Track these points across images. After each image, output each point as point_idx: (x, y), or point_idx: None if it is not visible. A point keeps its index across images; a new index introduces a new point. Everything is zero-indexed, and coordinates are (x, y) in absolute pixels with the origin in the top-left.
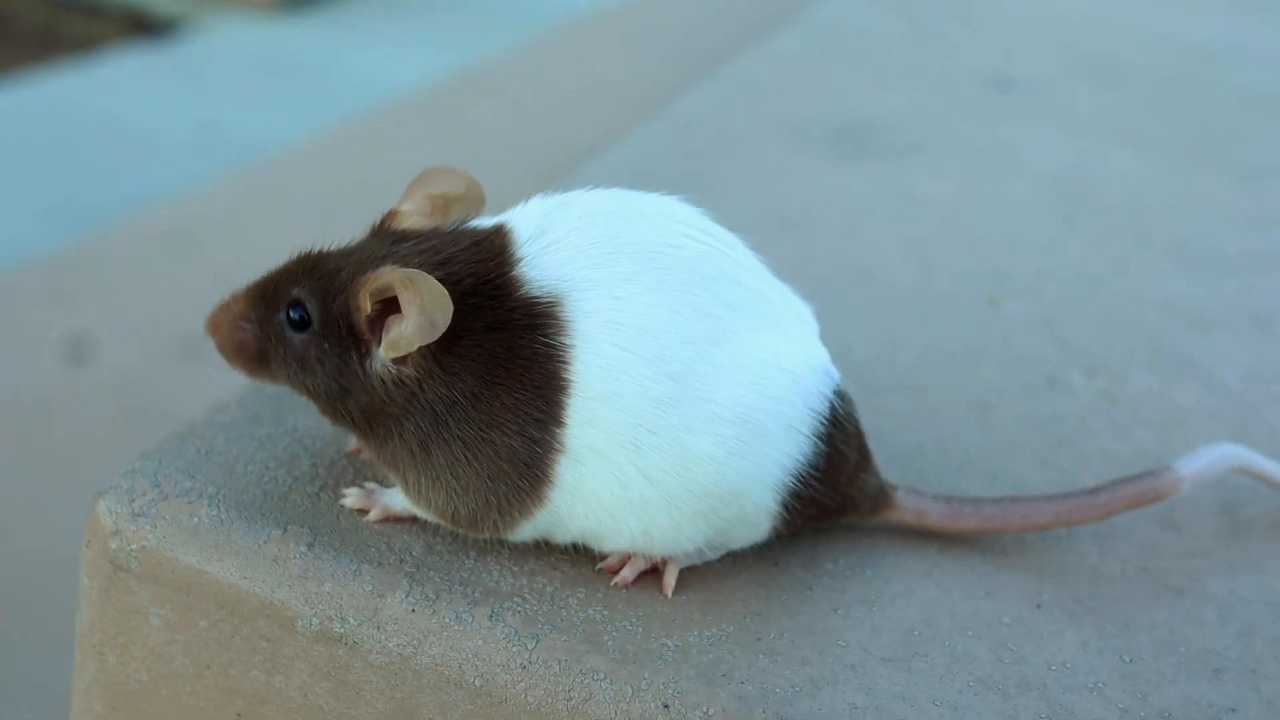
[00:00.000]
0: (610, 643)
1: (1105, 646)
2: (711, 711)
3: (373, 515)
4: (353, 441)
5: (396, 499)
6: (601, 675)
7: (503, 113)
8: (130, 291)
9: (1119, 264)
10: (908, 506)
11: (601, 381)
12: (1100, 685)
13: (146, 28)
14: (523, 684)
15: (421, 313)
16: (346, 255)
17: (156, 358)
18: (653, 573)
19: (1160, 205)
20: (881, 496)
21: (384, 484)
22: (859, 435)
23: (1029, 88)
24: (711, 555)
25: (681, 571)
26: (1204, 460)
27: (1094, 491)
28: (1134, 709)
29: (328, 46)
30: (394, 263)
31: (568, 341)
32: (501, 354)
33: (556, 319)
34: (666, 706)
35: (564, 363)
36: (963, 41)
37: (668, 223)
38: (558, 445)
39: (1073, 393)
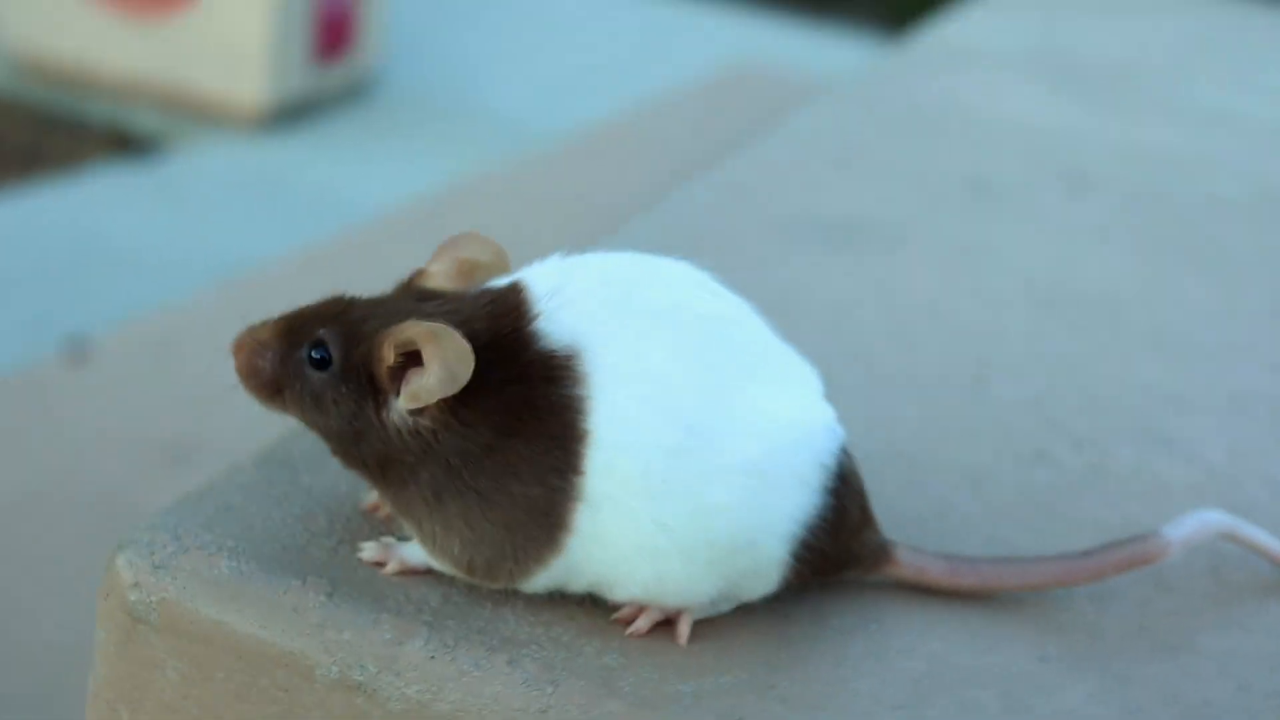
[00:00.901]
0: (627, 688)
1: (1109, 699)
2: None
3: (390, 568)
4: (370, 497)
5: (413, 552)
6: (620, 718)
7: (486, 226)
8: (114, 401)
9: (1098, 350)
10: (909, 563)
11: (618, 432)
12: None
13: (130, 145)
14: None
15: (444, 366)
16: (374, 306)
17: (141, 465)
18: (666, 624)
19: (1134, 298)
20: (883, 552)
21: (401, 539)
22: (862, 493)
23: (1005, 190)
24: (724, 608)
25: (695, 623)
26: (1191, 526)
27: (1087, 554)
28: None
29: (310, 164)
30: (418, 318)
31: (585, 394)
32: (518, 407)
33: (574, 372)
34: None
35: (581, 414)
36: (941, 148)
37: (680, 283)
38: (576, 494)
39: (1061, 466)
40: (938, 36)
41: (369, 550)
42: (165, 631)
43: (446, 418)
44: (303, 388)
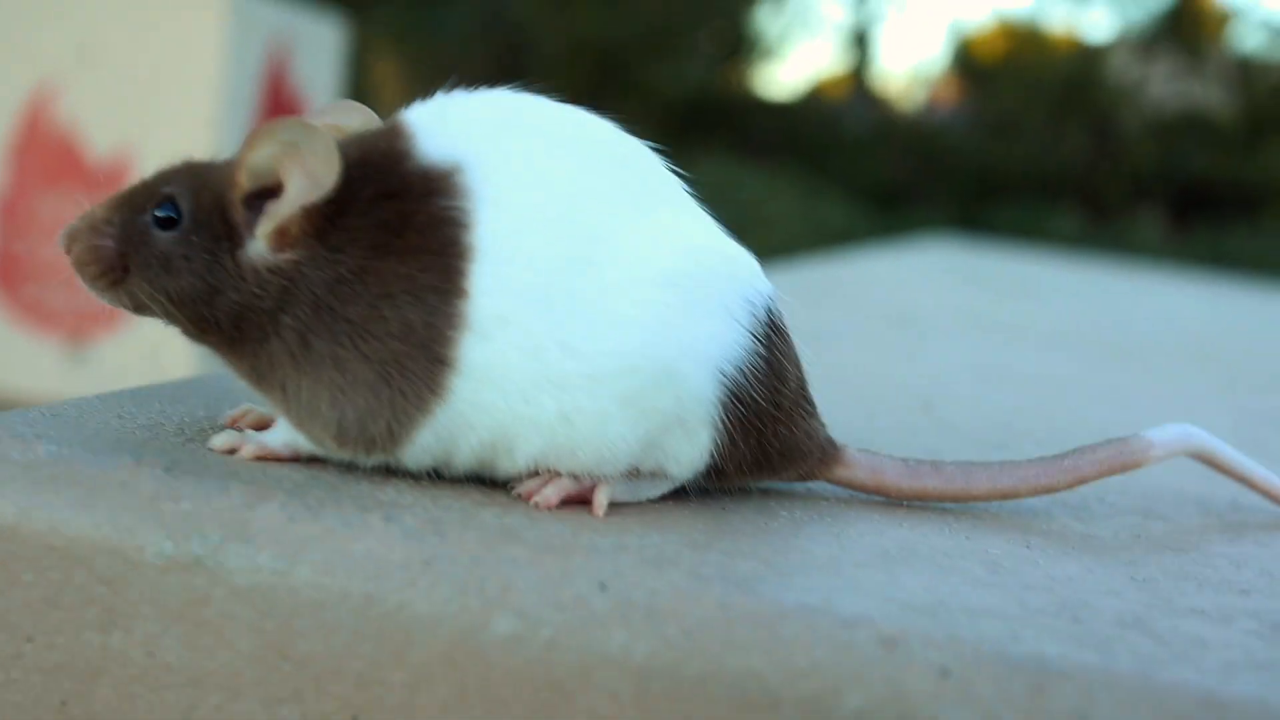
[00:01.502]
0: (532, 538)
1: (1113, 572)
2: (659, 588)
3: (245, 451)
4: (229, 414)
5: (275, 435)
6: (522, 562)
7: None
8: None
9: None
10: (862, 463)
11: (508, 240)
12: (1115, 592)
13: None
14: (425, 582)
15: (305, 172)
16: (220, 161)
17: None
18: (580, 504)
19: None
20: (832, 449)
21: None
22: (799, 368)
23: (947, 413)
24: (648, 491)
25: (615, 507)
26: (1174, 433)
27: (1063, 455)
28: (1158, 606)
29: None
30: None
31: (468, 205)
32: (394, 222)
33: (455, 184)
34: (603, 586)
35: (465, 226)
36: (902, 374)
37: (575, 111)
38: (459, 320)
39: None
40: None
41: (220, 439)
42: None
43: (311, 246)
44: (149, 255)
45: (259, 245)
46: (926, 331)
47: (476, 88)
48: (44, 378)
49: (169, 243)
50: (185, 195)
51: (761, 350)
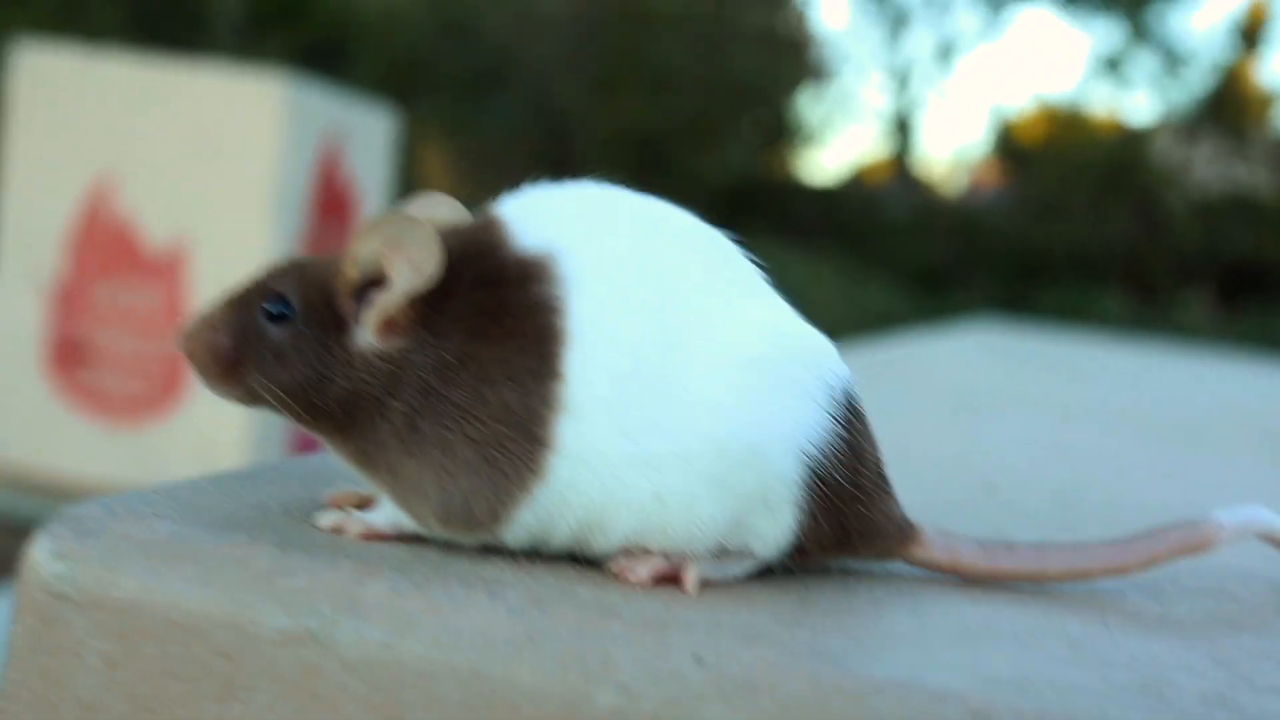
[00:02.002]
0: (628, 614)
1: (1193, 651)
2: (752, 663)
3: (352, 531)
4: (331, 493)
5: (379, 515)
6: (622, 638)
7: None
8: None
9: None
10: (939, 543)
11: (599, 325)
12: (1197, 671)
13: None
14: (529, 656)
15: (408, 262)
16: (324, 257)
17: None
18: (670, 582)
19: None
20: (909, 529)
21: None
22: (877, 449)
23: (1010, 494)
24: (734, 569)
25: (705, 586)
26: (1244, 516)
27: (1135, 538)
28: (1240, 685)
29: None
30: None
31: (561, 292)
32: (492, 308)
33: (549, 271)
34: (700, 660)
35: (558, 312)
36: (961, 453)
37: (659, 203)
38: (555, 402)
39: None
40: None
41: (327, 518)
42: (88, 606)
43: (416, 333)
44: (263, 349)
45: (367, 334)
46: (981, 411)
47: (540, 179)
48: (96, 463)
49: (281, 336)
50: (294, 291)
51: (841, 431)
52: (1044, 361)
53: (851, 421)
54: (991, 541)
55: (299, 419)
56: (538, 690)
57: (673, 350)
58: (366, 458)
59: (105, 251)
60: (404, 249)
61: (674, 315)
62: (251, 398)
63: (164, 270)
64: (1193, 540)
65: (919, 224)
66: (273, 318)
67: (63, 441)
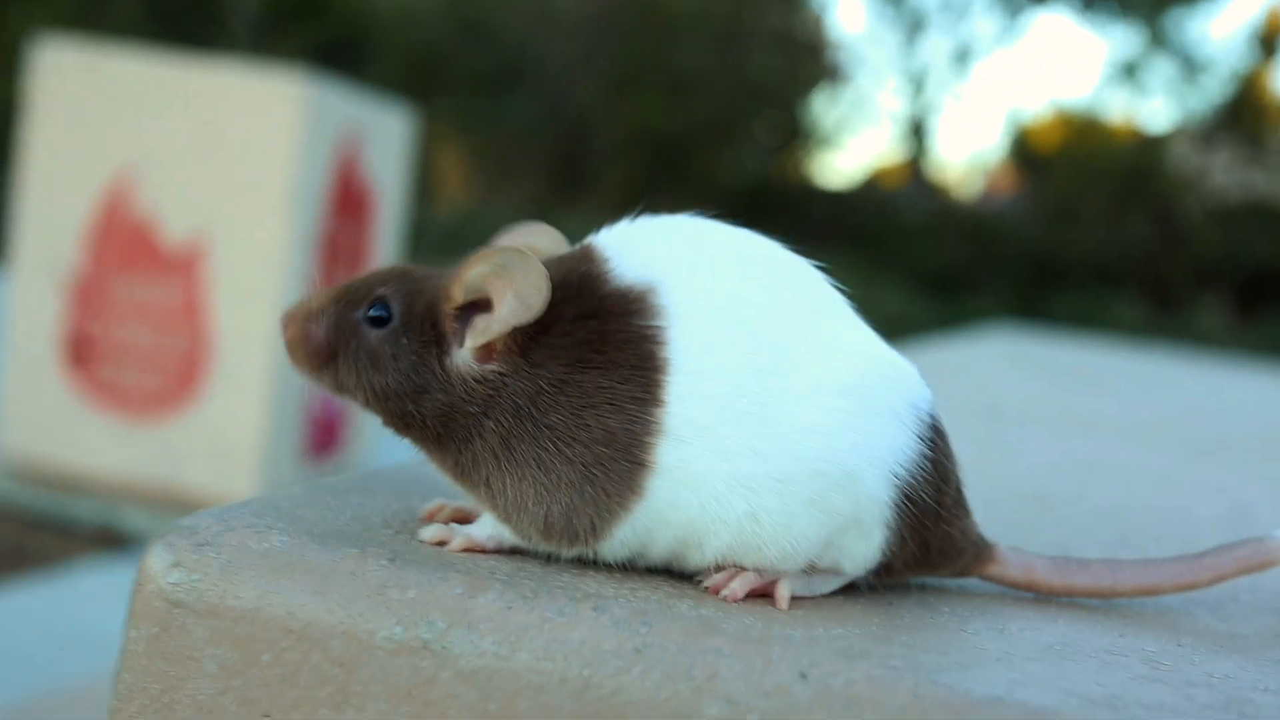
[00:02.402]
0: (730, 629)
1: (1265, 670)
2: (855, 678)
3: (455, 544)
4: (428, 505)
5: (479, 528)
6: (726, 653)
7: None
8: None
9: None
10: (1013, 561)
11: (699, 354)
12: (1273, 690)
13: (119, 544)
14: (638, 669)
15: (517, 295)
16: (431, 270)
17: None
18: (763, 597)
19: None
20: (985, 548)
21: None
22: (957, 468)
23: (1061, 510)
24: (823, 586)
25: (795, 601)
26: None
27: (1203, 555)
28: None
29: None
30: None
31: (663, 324)
32: (594, 339)
33: (650, 304)
34: (804, 676)
35: (660, 343)
36: (1005, 468)
37: (749, 236)
38: (657, 426)
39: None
40: None
41: (430, 531)
42: (207, 614)
43: (514, 360)
44: (359, 348)
45: (465, 355)
46: (1016, 423)
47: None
48: (112, 457)
49: (379, 340)
50: (398, 299)
51: (927, 453)
52: (1065, 370)
53: (936, 443)
54: (1065, 558)
55: (389, 423)
56: (647, 701)
57: (769, 377)
58: (462, 470)
59: (123, 247)
60: (514, 281)
61: (769, 344)
62: (340, 389)
63: (182, 266)
64: (1259, 557)
65: (934, 228)
66: (372, 321)
67: (79, 436)
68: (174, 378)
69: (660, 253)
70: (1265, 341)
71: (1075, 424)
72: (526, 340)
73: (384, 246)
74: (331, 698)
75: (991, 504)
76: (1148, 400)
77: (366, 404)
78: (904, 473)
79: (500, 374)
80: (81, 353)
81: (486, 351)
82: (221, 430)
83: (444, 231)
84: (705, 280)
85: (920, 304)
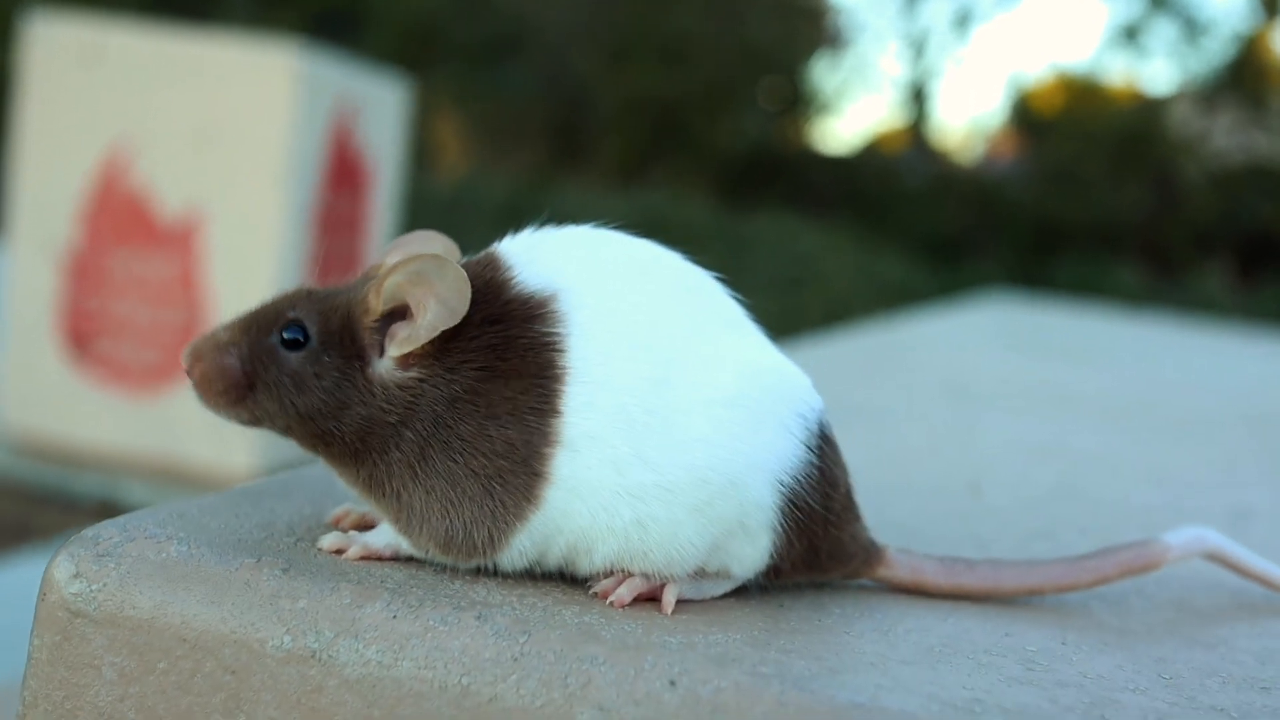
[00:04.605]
0: (609, 636)
1: (1142, 668)
2: (723, 686)
3: (352, 552)
4: (333, 512)
5: (378, 536)
6: (601, 660)
7: None
8: None
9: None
10: (902, 563)
11: (596, 365)
12: (1142, 689)
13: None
14: (514, 677)
15: (439, 299)
16: (337, 287)
17: None
18: (651, 601)
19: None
20: (875, 551)
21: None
22: (847, 475)
23: (995, 497)
24: (712, 589)
25: (682, 604)
26: (1189, 536)
27: (1087, 557)
28: (1181, 704)
29: None
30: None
31: (563, 331)
32: (500, 345)
33: (552, 311)
34: (673, 683)
35: (560, 351)
36: (953, 453)
37: (649, 247)
38: (554, 437)
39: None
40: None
41: (329, 539)
42: (105, 623)
43: (431, 365)
44: (279, 373)
45: (387, 364)
46: (979, 404)
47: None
48: (110, 431)
49: (299, 361)
50: (311, 318)
51: (814, 460)
52: (1054, 341)
53: (824, 450)
54: (952, 559)
55: (305, 443)
56: (522, 709)
57: (661, 387)
58: (374, 483)
59: (119, 222)
60: (433, 287)
61: (663, 354)
62: (254, 420)
63: (178, 240)
64: (1141, 560)
65: (935, 193)
66: (288, 344)
67: (79, 411)
68: (172, 352)
69: (563, 261)
70: (1266, 306)
71: (1045, 403)
72: (441, 344)
73: (380, 218)
74: (224, 704)
75: (925, 491)
76: (1134, 374)
77: (286, 429)
78: (790, 480)
79: (420, 380)
80: (82, 339)
81: (406, 358)
82: None
83: (444, 202)
84: (605, 290)
85: (920, 270)
